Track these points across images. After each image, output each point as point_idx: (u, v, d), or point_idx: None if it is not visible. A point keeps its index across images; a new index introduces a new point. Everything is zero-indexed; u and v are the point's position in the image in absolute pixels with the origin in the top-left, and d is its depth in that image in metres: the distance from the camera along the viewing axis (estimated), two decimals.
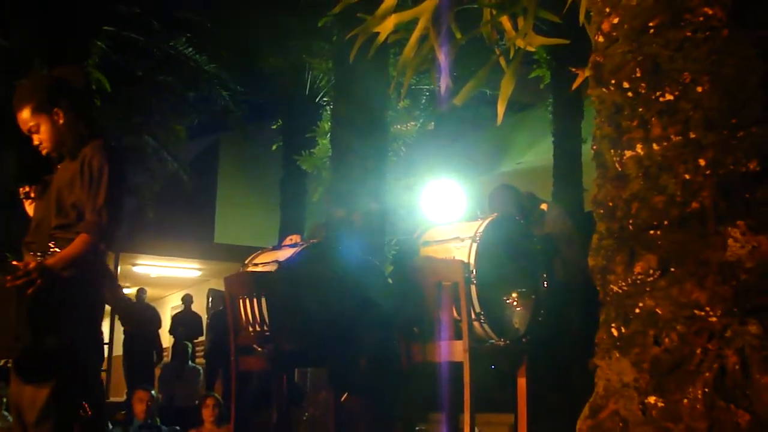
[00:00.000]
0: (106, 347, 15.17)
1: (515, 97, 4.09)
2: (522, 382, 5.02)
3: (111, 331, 16.65)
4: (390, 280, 5.99)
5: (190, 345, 13.23)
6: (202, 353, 14.99)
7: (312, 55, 13.75)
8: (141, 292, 15.47)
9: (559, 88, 12.19)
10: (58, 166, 4.16)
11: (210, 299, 15.26)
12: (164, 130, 16.73)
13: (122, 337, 15.06)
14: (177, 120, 16.74)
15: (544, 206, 6.11)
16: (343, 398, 5.65)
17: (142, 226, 17.56)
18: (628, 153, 2.52)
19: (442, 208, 9.07)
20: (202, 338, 15.14)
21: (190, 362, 12.90)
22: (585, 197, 11.34)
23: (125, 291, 19.96)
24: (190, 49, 15.24)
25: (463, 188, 10.38)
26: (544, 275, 5.21)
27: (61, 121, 4.04)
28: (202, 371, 12.90)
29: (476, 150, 16.81)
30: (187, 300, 15.79)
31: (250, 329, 5.72)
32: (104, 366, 16.24)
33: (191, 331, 15.06)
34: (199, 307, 15.93)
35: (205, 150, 22.56)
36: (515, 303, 5.08)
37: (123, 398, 11.71)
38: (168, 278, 19.84)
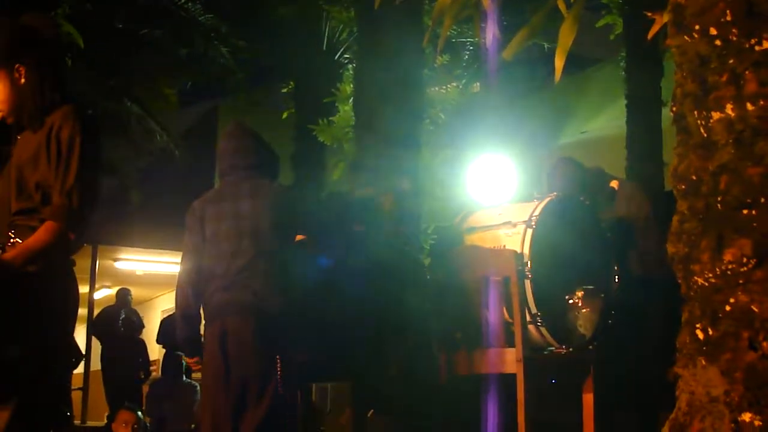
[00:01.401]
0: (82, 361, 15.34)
1: (579, 51, 4.07)
2: (588, 398, 5.02)
3: (87, 340, 16.77)
4: (428, 275, 5.99)
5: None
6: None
7: (330, 2, 13.74)
8: (124, 292, 15.60)
9: (634, 39, 12.07)
10: (18, 137, 4.12)
11: None
12: (151, 95, 16.73)
13: (101, 347, 15.21)
14: (166, 83, 16.73)
15: (614, 184, 6.10)
16: (369, 415, 5.68)
17: (125, 212, 17.59)
18: (715, 115, 2.51)
19: (490, 187, 9.05)
20: None
21: (184, 377, 12.98)
22: (665, 174, 11.26)
23: (104, 292, 20.13)
24: None
25: (515, 163, 10.37)
26: (616, 268, 5.20)
27: (23, 80, 3.98)
28: (199, 388, 12.98)
29: (531, 117, 16.73)
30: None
31: None
32: (80, 383, 16.44)
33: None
34: None
35: (200, 119, 22.59)
36: (580, 303, 5.08)
37: (103, 422, 11.82)
38: (157, 275, 19.91)
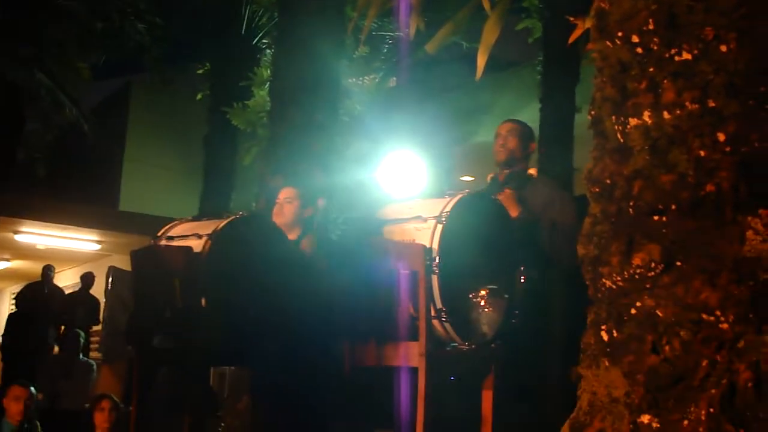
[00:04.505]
0: None
1: (497, 53, 4.10)
2: (488, 395, 5.06)
3: None
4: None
5: (82, 334, 13.16)
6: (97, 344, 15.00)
7: None
8: (47, 269, 15.54)
9: (552, 44, 12.18)
10: None
11: (110, 279, 15.16)
12: (63, 68, 16.43)
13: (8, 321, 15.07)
14: (79, 56, 16.45)
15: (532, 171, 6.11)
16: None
17: (30, 185, 17.29)
18: (633, 121, 2.54)
19: (402, 181, 9.10)
20: (98, 327, 15.12)
21: (81, 355, 12.83)
22: (576, 178, 11.39)
23: (2, 264, 19.78)
24: None
25: (429, 160, 10.42)
26: (522, 269, 5.24)
27: None
28: (95, 366, 12.84)
29: (446, 114, 16.81)
30: (87, 279, 15.75)
31: None
32: None
33: (86, 318, 15.02)
34: (97, 288, 15.82)
35: (112, 95, 22.31)
36: (483, 302, 5.10)
37: None
38: (59, 251, 19.56)
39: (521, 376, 5.35)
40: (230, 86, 14.09)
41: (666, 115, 2.47)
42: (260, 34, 15.01)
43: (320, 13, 8.60)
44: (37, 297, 15.15)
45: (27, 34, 15.24)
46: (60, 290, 15.77)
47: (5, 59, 14.63)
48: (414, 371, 4.81)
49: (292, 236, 5.92)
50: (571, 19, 4.04)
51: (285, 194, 6.18)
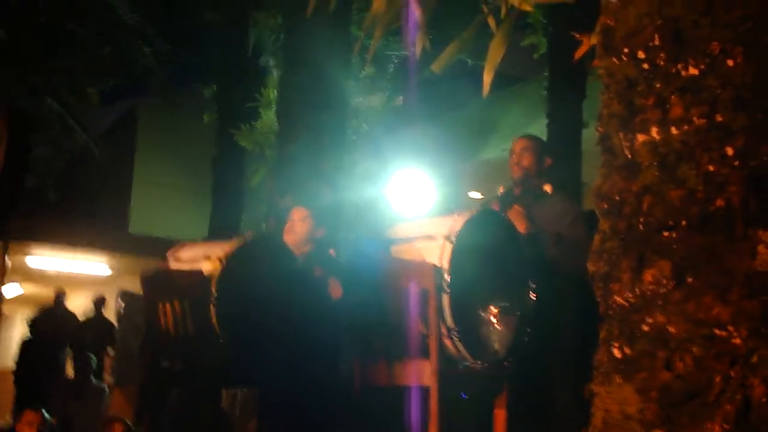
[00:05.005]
0: None
1: (502, 70, 4.09)
2: (500, 414, 5.04)
3: None
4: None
5: (93, 357, 13.18)
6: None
7: (257, 7, 13.70)
8: (60, 294, 15.59)
9: (558, 60, 12.20)
10: None
11: (123, 304, 15.19)
12: (72, 93, 16.46)
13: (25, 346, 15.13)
14: (88, 81, 16.48)
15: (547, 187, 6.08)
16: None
17: (40, 209, 17.32)
18: (640, 137, 2.54)
19: (410, 200, 9.10)
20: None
21: (93, 379, 12.84)
22: (584, 193, 11.38)
23: (15, 288, 19.80)
24: None
25: (437, 178, 10.43)
26: (533, 285, 5.23)
27: None
28: (107, 390, 12.84)
29: (454, 132, 16.82)
30: (99, 303, 15.77)
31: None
32: None
33: (101, 341, 15.04)
34: (108, 310, 15.85)
35: (120, 119, 22.38)
36: (495, 319, 5.09)
37: (9, 421, 11.63)
38: (69, 275, 19.60)
39: (534, 394, 5.33)
40: (237, 108, 14.14)
41: (674, 130, 2.46)
42: (267, 56, 15.06)
43: (326, 33, 8.63)
44: (50, 322, 15.17)
45: (36, 61, 15.25)
46: (72, 315, 15.78)
47: (15, 87, 14.66)
48: (424, 390, 4.80)
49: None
50: (576, 35, 4.03)
51: (298, 214, 6.21)
